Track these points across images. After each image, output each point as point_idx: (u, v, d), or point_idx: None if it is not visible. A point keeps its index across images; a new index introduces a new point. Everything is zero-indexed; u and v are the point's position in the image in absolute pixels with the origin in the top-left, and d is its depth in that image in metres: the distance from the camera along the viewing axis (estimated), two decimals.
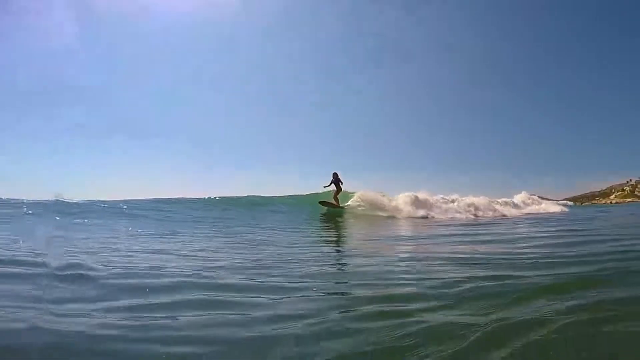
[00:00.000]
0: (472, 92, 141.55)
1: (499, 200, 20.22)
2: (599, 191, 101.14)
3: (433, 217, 15.13)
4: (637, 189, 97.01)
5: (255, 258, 4.35)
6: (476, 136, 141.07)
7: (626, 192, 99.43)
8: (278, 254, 4.74)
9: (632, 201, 78.65)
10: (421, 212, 15.59)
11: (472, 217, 16.03)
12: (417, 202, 16.42)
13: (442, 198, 17.93)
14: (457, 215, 15.81)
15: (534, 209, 20.99)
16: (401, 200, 16.49)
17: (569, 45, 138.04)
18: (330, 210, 15.30)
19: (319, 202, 15.68)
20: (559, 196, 23.39)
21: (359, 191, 16.57)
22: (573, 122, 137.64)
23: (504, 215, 17.29)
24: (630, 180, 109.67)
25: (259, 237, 6.95)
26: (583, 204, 61.75)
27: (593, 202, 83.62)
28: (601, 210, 22.94)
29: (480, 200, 18.42)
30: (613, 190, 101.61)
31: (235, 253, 4.86)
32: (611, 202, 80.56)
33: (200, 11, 67.64)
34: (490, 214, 17.45)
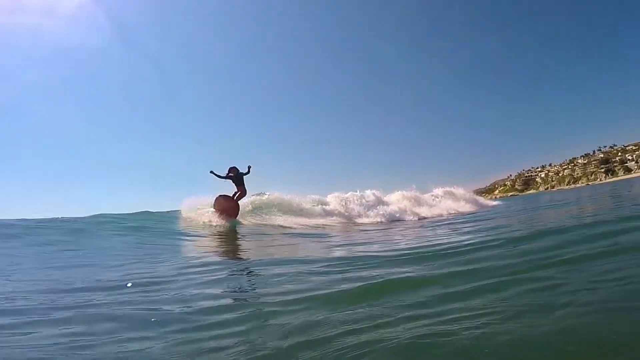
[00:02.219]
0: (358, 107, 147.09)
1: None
2: (485, 188, 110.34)
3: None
4: (517, 183, 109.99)
5: None
6: (367, 142, 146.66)
7: (508, 187, 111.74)
8: None
9: (514, 194, 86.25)
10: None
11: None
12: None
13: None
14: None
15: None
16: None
17: (446, 55, 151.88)
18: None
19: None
20: None
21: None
22: (454, 126, 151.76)
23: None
24: (510, 175, 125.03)
25: None
26: None
27: None
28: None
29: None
30: (497, 186, 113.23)
31: None
32: (495, 197, 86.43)
33: None
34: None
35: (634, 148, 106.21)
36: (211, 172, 11.01)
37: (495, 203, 21.81)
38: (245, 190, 11.23)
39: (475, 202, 17.95)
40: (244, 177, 11.21)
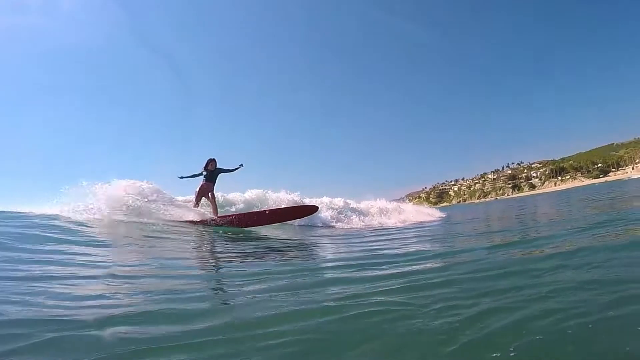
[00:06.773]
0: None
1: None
2: (399, 199, 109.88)
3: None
4: (431, 195, 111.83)
5: None
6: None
7: (422, 199, 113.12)
8: None
9: (429, 206, 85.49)
10: None
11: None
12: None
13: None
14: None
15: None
16: None
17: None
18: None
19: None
20: None
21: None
22: (373, 137, 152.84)
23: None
24: (425, 187, 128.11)
25: None
26: None
27: None
28: None
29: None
30: (411, 198, 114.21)
31: None
32: None
33: None
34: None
35: (538, 166, 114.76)
36: (180, 177, 9.06)
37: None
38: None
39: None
40: (227, 173, 9.00)
